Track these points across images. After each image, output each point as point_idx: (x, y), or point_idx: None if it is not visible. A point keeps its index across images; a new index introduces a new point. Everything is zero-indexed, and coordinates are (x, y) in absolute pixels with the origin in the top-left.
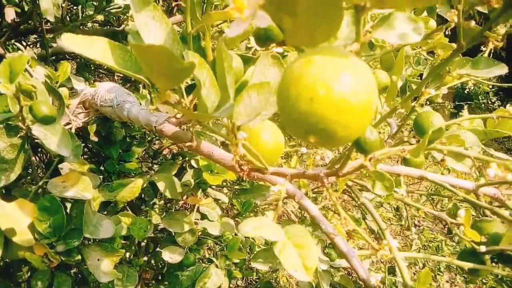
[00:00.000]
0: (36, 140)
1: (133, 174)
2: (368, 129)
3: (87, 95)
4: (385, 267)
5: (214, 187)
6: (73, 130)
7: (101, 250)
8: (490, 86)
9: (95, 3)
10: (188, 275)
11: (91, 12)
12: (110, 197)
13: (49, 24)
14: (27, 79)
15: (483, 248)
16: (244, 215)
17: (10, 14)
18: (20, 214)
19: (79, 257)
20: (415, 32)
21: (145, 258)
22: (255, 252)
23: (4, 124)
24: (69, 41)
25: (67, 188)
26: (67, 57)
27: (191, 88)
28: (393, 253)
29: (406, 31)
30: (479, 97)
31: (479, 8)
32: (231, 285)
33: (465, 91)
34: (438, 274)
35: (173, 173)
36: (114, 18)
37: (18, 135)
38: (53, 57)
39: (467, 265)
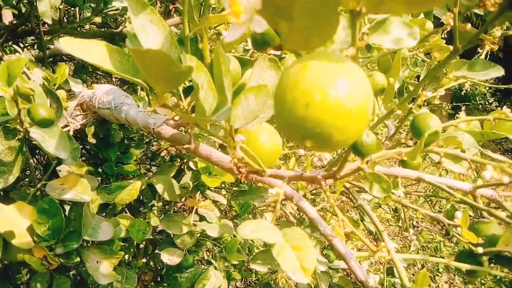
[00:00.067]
0: (33, 142)
1: (131, 176)
2: (365, 133)
3: (85, 97)
4: (384, 268)
5: (212, 189)
6: (71, 133)
7: (100, 252)
8: (487, 88)
9: (92, 5)
10: (187, 277)
11: (89, 14)
12: (109, 199)
13: (46, 25)
14: (25, 81)
15: (480, 250)
16: (242, 217)
17: (7, 16)
18: (19, 217)
19: (78, 259)
20: (410, 37)
21: (144, 260)
22: (254, 254)
23: (2, 126)
24: (67, 45)
25: (66, 191)
26: (65, 58)
27: (189, 90)
28: (391, 254)
29: (401, 36)
30: (477, 98)
31: (476, 10)
32: (230, 287)
33: (462, 93)
34: (437, 275)
35: (171, 175)
36: (112, 20)
37: (16, 138)
38: (51, 59)
39: (465, 266)
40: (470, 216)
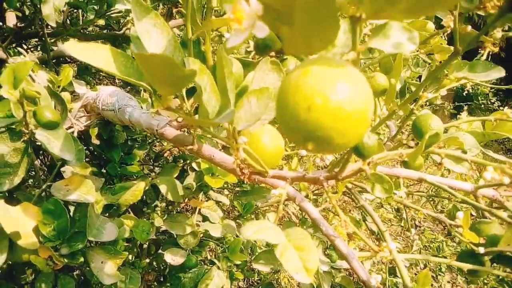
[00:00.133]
0: (37, 143)
1: (135, 177)
2: (366, 134)
3: (89, 99)
4: (386, 268)
5: (215, 189)
6: (75, 134)
7: (104, 252)
8: (489, 88)
9: (95, 7)
10: (191, 277)
11: (92, 16)
12: (113, 200)
13: (49, 27)
14: (30, 84)
15: (481, 250)
16: (245, 217)
17: (11, 18)
18: (25, 218)
19: (82, 259)
20: (410, 41)
21: (147, 260)
22: (256, 254)
23: (8, 128)
24: (72, 49)
25: (71, 192)
26: (68, 60)
27: (191, 91)
28: (393, 254)
29: (401, 40)
30: (479, 98)
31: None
32: (232, 287)
33: (464, 93)
34: (439, 275)
35: (175, 176)
36: (114, 22)
37: (22, 140)
38: (54, 60)
39: (467, 266)
40: (472, 216)
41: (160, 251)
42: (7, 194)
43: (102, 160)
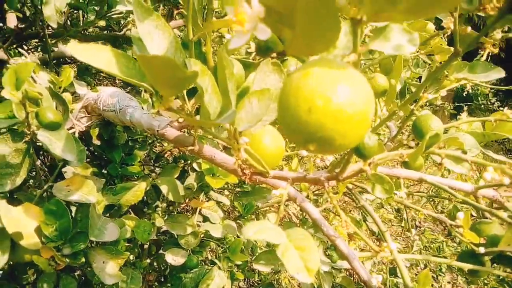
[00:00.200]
0: (38, 144)
1: (135, 177)
2: (367, 135)
3: (90, 100)
4: (387, 268)
5: (215, 190)
6: (76, 135)
7: (106, 253)
8: (489, 88)
9: (96, 8)
10: (192, 277)
11: (92, 17)
12: (114, 200)
13: (50, 28)
14: (31, 85)
15: (482, 250)
16: (245, 217)
17: (11, 19)
18: (27, 218)
19: (83, 259)
20: (410, 43)
21: (148, 261)
22: (257, 254)
23: (9, 129)
24: (74, 50)
25: (72, 192)
26: (68, 60)
27: (191, 92)
28: (393, 255)
29: (402, 42)
30: (479, 98)
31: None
32: (233, 287)
33: (464, 93)
34: (440, 275)
35: (175, 176)
36: (115, 23)
37: (23, 140)
38: (54, 61)
39: (467, 266)
40: (472, 216)
41: (161, 251)
42: (8, 195)
43: (103, 161)
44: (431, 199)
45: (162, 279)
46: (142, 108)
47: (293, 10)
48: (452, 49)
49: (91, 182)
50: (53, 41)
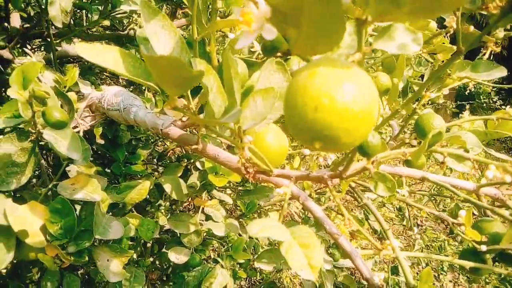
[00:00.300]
0: (40, 143)
1: (139, 176)
2: (371, 134)
3: (94, 99)
4: (388, 267)
5: (218, 188)
6: (81, 133)
7: (110, 251)
8: (491, 87)
9: (100, 8)
10: (194, 275)
11: (96, 17)
12: (118, 199)
13: (53, 27)
14: (37, 85)
15: (483, 248)
16: (248, 216)
17: (15, 19)
18: (32, 216)
19: (87, 258)
20: (415, 42)
21: (151, 259)
22: (259, 253)
23: (14, 128)
24: (82, 51)
25: (77, 191)
26: (71, 60)
27: (195, 91)
28: (396, 252)
29: (406, 41)
30: (481, 97)
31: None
32: (234, 285)
33: (467, 92)
34: (441, 274)
35: (179, 175)
36: (118, 22)
37: (29, 139)
38: (58, 61)
39: (468, 264)
40: (474, 215)
41: (163, 250)
42: (12, 193)
43: (106, 160)
44: (433, 198)
45: (165, 278)
46: (146, 107)
47: (299, 10)
48: (454, 47)
49: (96, 180)
50: (57, 41)
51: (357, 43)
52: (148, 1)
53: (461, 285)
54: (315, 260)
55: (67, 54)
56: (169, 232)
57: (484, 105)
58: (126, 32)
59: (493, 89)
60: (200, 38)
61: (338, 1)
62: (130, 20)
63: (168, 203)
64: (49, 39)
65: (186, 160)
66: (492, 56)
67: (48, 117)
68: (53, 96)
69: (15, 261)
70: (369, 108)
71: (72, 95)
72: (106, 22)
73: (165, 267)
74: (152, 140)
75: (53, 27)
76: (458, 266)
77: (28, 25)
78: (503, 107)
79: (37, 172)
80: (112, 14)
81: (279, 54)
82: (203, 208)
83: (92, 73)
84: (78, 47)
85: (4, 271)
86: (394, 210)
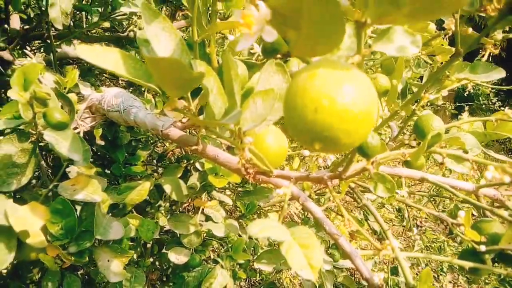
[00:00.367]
0: (40, 144)
1: (139, 177)
2: (370, 135)
3: (94, 100)
4: (388, 268)
5: (217, 189)
6: (81, 134)
7: (111, 251)
8: (490, 88)
9: (99, 10)
10: (194, 275)
11: (96, 19)
12: (119, 199)
13: (53, 29)
14: (38, 86)
15: (482, 248)
16: (247, 217)
17: (15, 20)
18: (33, 217)
19: (87, 258)
20: (413, 45)
21: (151, 260)
22: (258, 253)
23: (15, 129)
24: (83, 53)
25: (77, 191)
26: (71, 61)
27: (194, 92)
28: (395, 252)
29: (405, 44)
30: (480, 98)
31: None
32: (234, 286)
33: (465, 93)
34: (441, 275)
35: (178, 176)
36: (117, 23)
37: (29, 140)
38: (57, 62)
39: (468, 264)
40: (473, 215)
41: (163, 250)
42: (12, 194)
43: (106, 161)
44: (432, 199)
45: (165, 278)
46: (146, 108)
47: (298, 12)
48: (453, 49)
49: (96, 181)
50: (57, 43)
51: (356, 45)
52: (149, 4)
53: (460, 286)
54: (315, 260)
55: (67, 55)
56: (169, 232)
57: (483, 106)
58: (126, 33)
59: (492, 91)
60: (200, 40)
61: (337, 3)
62: (130, 22)
63: (168, 204)
64: (49, 41)
65: (185, 161)
66: (491, 57)
67: (49, 118)
68: (53, 98)
69: (15, 262)
70: (368, 109)
71: (72, 97)
72: (106, 24)
73: (165, 267)
74: (151, 141)
75: (53, 28)
76: (457, 267)
77: (28, 26)
78: (502, 108)
79: (36, 173)
80: (112, 16)
81: (279, 56)
82: (202, 209)
83: (91, 74)
84: (79, 49)
85: (5, 271)
86: (394, 211)
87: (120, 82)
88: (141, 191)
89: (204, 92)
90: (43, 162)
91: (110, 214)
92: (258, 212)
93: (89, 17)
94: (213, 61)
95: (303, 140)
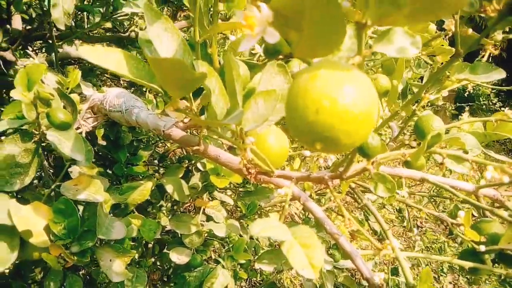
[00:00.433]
0: (42, 144)
1: (140, 177)
2: (370, 135)
3: (96, 101)
4: (388, 268)
5: (219, 189)
6: (83, 135)
7: (113, 251)
8: (490, 89)
9: (101, 10)
10: (196, 275)
11: (98, 19)
12: (121, 199)
13: (55, 29)
14: (41, 86)
15: (482, 248)
16: (249, 217)
17: (16, 21)
18: (36, 217)
19: (89, 258)
20: (413, 46)
21: (152, 260)
22: (259, 254)
23: (18, 129)
24: (86, 53)
25: (80, 191)
26: (72, 62)
27: (196, 92)
28: (395, 252)
29: (405, 45)
30: (480, 98)
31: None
32: (235, 286)
33: (466, 94)
34: (441, 275)
35: (180, 176)
36: (118, 23)
37: (32, 140)
38: (59, 62)
39: (468, 264)
40: (473, 216)
41: (165, 250)
42: (15, 194)
43: (107, 161)
44: (432, 199)
45: (166, 278)
46: (148, 108)
47: (300, 14)
48: (453, 49)
49: (98, 181)
50: (59, 43)
51: (357, 46)
52: (151, 5)
53: (461, 286)
54: (316, 260)
55: (69, 55)
56: (170, 232)
57: (484, 106)
58: (127, 34)
59: (493, 91)
60: (202, 40)
61: (338, 4)
62: (131, 22)
63: (169, 204)
64: (50, 41)
65: (187, 161)
66: (491, 58)
67: (53, 119)
68: (56, 98)
69: (17, 261)
70: (369, 110)
71: (75, 97)
72: (108, 24)
73: (166, 267)
74: (153, 142)
75: (55, 29)
76: (458, 267)
77: (30, 27)
78: (503, 108)
79: (38, 173)
80: (114, 16)
81: (280, 57)
82: (204, 209)
83: (93, 74)
84: (82, 50)
85: (7, 271)
86: (394, 212)
87: (122, 82)
88: (143, 191)
89: (206, 92)
90: (45, 162)
91: (112, 214)
92: (259, 212)
93: (90, 17)
94: (215, 62)
95: (304, 141)
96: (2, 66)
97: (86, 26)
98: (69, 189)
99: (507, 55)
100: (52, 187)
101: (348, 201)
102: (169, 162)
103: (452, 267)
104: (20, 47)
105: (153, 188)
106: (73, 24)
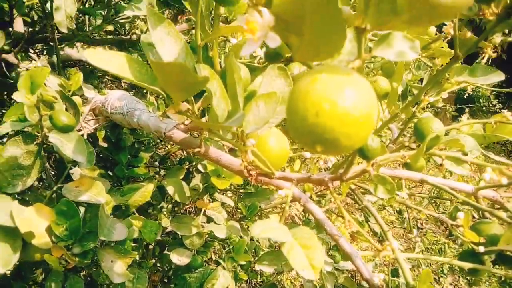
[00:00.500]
0: (44, 146)
1: (141, 179)
2: (370, 137)
3: (97, 103)
4: (388, 269)
5: (219, 191)
6: (85, 137)
7: (114, 252)
8: (490, 90)
9: (103, 13)
10: (196, 276)
11: (100, 22)
12: (122, 201)
13: (57, 32)
14: (45, 89)
15: (481, 249)
16: (249, 219)
17: (18, 23)
18: (38, 218)
19: (90, 260)
20: (412, 50)
21: (153, 261)
22: (260, 255)
23: (20, 131)
24: (90, 57)
25: (82, 193)
26: (73, 64)
27: (197, 94)
28: (395, 253)
29: (404, 49)
30: (480, 100)
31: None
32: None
33: (465, 96)
34: (442, 277)
35: (181, 178)
36: (120, 26)
37: (35, 142)
38: (60, 65)
39: (467, 265)
40: (473, 217)
41: (166, 251)
42: (16, 195)
43: (109, 162)
44: (432, 201)
45: (166, 280)
46: (149, 111)
47: (301, 19)
48: (453, 52)
49: (100, 183)
50: (60, 45)
51: (357, 50)
52: (154, 9)
53: None
54: (317, 261)
55: (70, 58)
56: (170, 234)
57: (484, 108)
58: (128, 36)
59: (492, 93)
60: (203, 44)
61: (339, 9)
62: (133, 25)
63: (170, 206)
64: (52, 44)
65: (188, 163)
66: (491, 60)
67: (56, 121)
68: (59, 100)
69: (18, 263)
70: (369, 112)
71: (77, 99)
72: (110, 27)
73: (166, 268)
74: (153, 143)
75: (56, 31)
76: (458, 269)
77: (32, 29)
78: (503, 110)
79: (40, 175)
80: (116, 19)
81: (282, 60)
82: (204, 211)
83: (94, 76)
84: (87, 53)
85: (8, 272)
86: (394, 213)
87: (123, 84)
88: (144, 192)
89: (208, 95)
90: (47, 164)
91: (113, 216)
92: (260, 213)
93: (92, 20)
94: (216, 65)
95: (305, 143)
96: (4, 68)
97: (88, 29)
98: (71, 190)
99: (507, 57)
100: (54, 188)
101: (348, 202)
102: (170, 164)
103: (453, 268)
104: (22, 50)
105: (154, 189)
106: (75, 26)
